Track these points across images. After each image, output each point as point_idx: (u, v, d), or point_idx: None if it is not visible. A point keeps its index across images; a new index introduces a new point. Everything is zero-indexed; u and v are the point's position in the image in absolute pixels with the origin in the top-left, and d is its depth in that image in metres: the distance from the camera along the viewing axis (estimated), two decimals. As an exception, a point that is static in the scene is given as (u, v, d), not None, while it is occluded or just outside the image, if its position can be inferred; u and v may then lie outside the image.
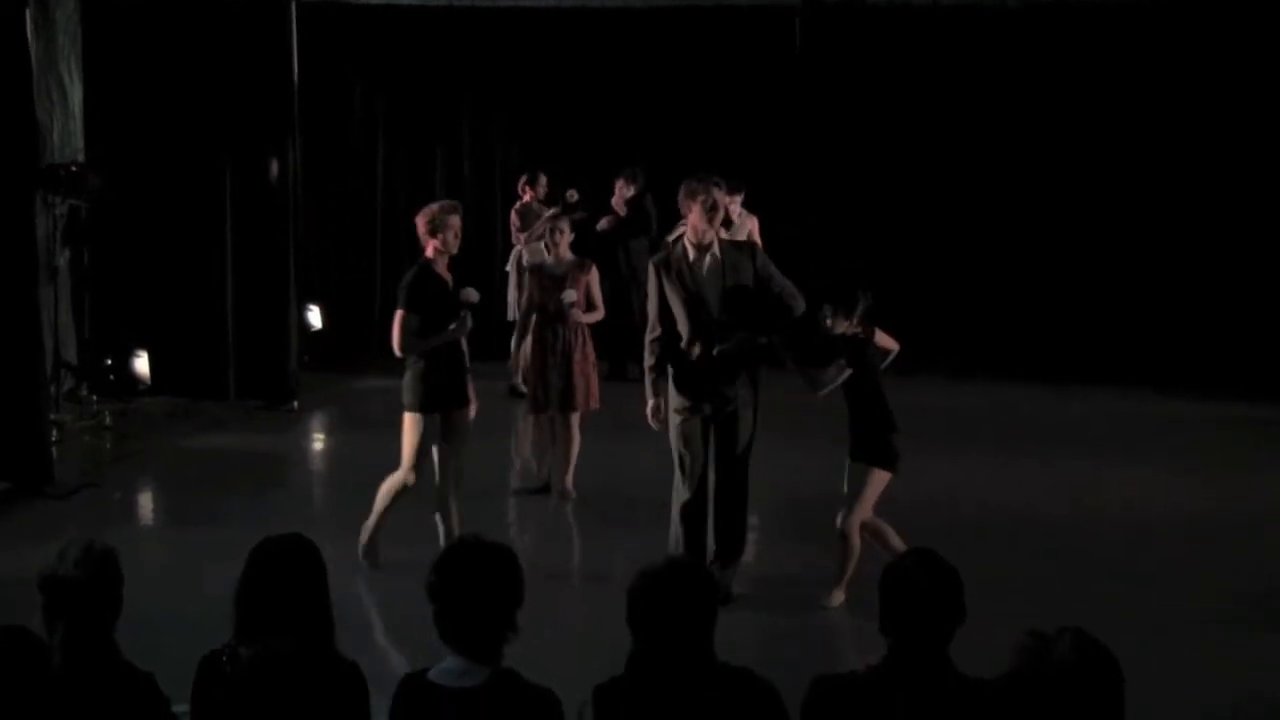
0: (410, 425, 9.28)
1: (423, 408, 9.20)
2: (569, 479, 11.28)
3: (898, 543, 8.40)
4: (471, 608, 4.40)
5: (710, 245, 8.64)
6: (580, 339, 11.21)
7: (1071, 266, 16.93)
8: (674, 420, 8.80)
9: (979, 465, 12.57)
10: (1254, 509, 11.21)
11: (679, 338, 8.70)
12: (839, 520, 8.63)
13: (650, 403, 8.90)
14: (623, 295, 16.23)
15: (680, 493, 8.85)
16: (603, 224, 16.21)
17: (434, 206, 9.53)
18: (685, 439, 8.76)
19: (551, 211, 14.66)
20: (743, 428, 8.76)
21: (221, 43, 14.52)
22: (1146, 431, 14.14)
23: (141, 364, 14.60)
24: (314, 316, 16.93)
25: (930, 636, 4.41)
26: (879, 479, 8.60)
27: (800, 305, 8.73)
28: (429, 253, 9.30)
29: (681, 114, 17.34)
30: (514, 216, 15.78)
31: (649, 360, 8.90)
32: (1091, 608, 8.03)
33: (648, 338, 8.92)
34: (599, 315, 11.42)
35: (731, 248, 8.79)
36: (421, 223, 9.28)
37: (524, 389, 15.36)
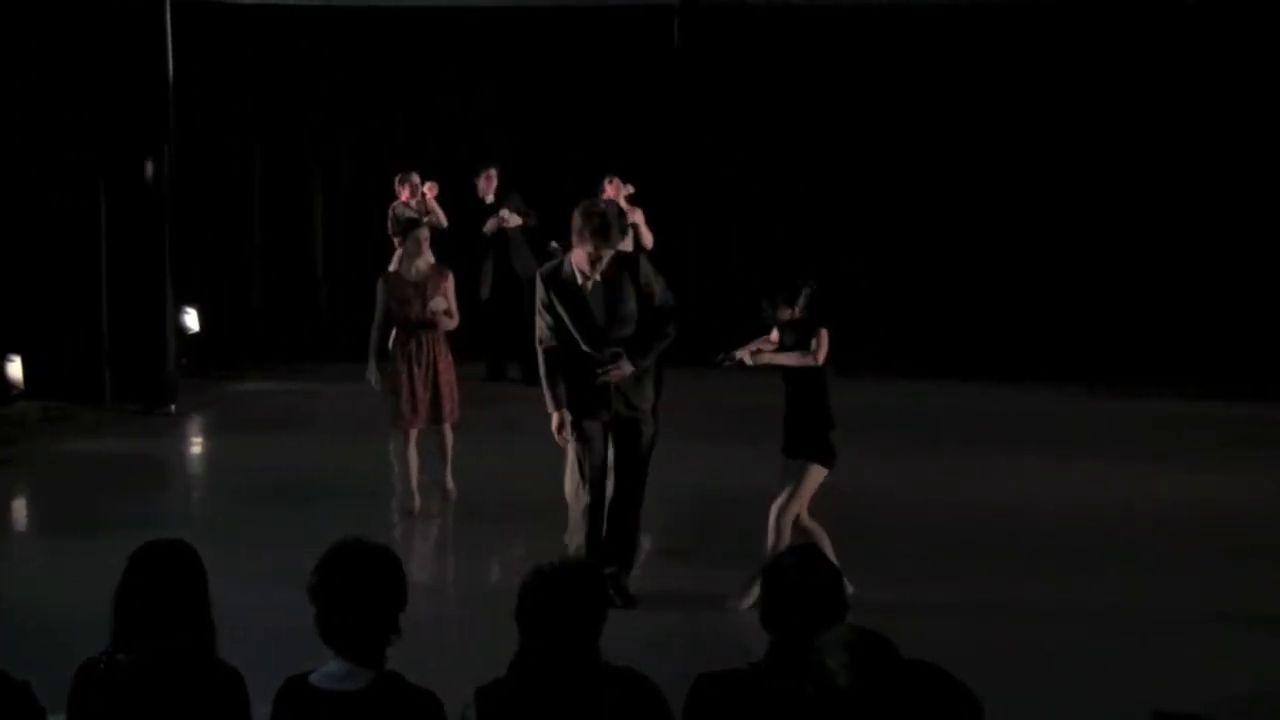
0: None
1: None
2: (449, 478, 11.19)
3: (829, 547, 8.14)
4: (354, 610, 4.38)
5: (598, 268, 8.59)
6: (443, 348, 10.95)
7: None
8: (571, 423, 8.81)
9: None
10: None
11: (573, 344, 8.69)
12: (772, 515, 8.53)
13: (555, 418, 8.79)
14: (506, 295, 16.23)
15: (581, 496, 8.86)
16: (491, 225, 16.17)
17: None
18: (584, 442, 8.78)
19: (426, 216, 14.70)
20: (642, 433, 8.78)
21: (95, 43, 14.34)
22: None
23: (14, 368, 14.37)
24: (191, 320, 16.76)
25: (810, 632, 4.45)
26: (816, 475, 8.54)
27: (669, 320, 8.74)
28: None
29: (560, 114, 17.34)
30: (391, 213, 15.67)
31: (544, 369, 8.81)
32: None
33: (540, 347, 8.85)
34: (456, 323, 11.07)
35: (615, 266, 8.67)
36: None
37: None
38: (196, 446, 14.47)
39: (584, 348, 8.67)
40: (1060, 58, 16.79)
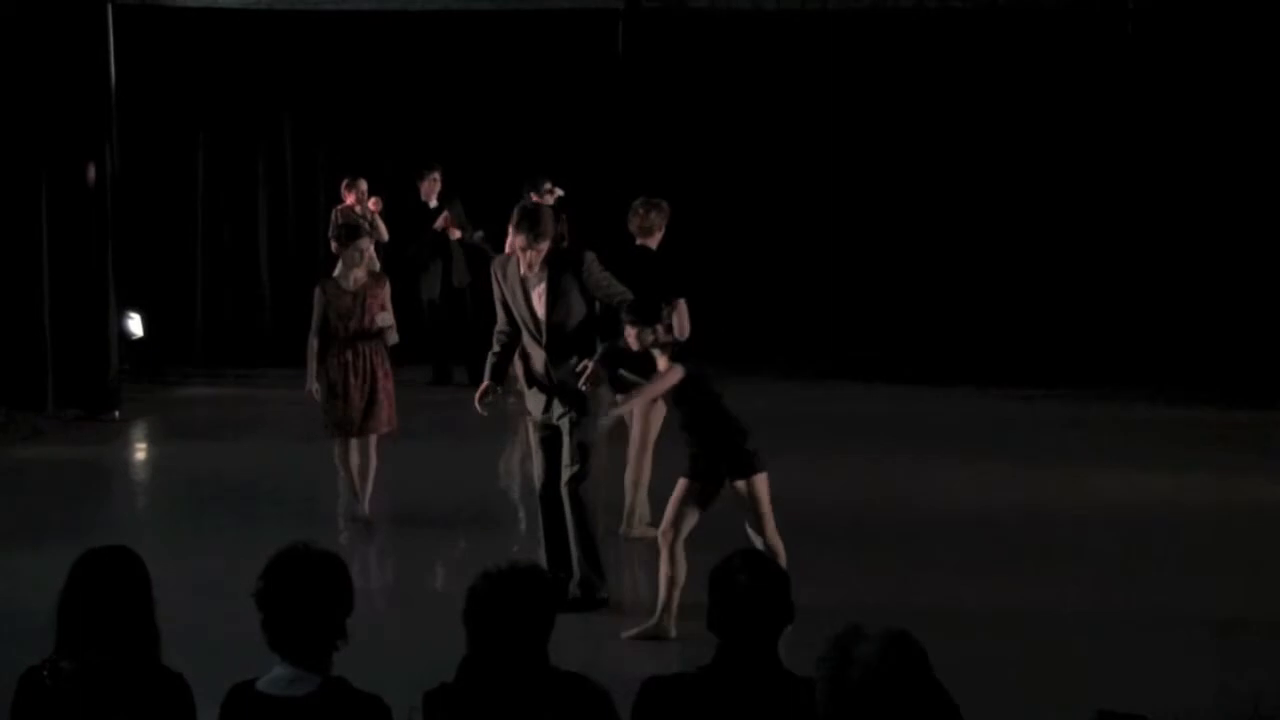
0: None
1: None
2: (367, 504, 10.80)
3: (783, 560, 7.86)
4: (300, 616, 4.36)
5: (538, 264, 8.59)
6: (380, 357, 10.74)
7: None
8: (530, 423, 8.92)
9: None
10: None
11: (518, 336, 8.78)
12: (759, 544, 8.04)
13: (484, 384, 8.84)
14: (452, 301, 16.25)
15: (538, 495, 8.92)
16: (441, 223, 16.18)
17: None
18: (541, 441, 8.84)
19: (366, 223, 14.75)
20: (585, 439, 8.71)
21: (36, 44, 14.23)
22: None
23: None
24: (135, 324, 16.66)
25: (756, 636, 4.47)
26: (760, 486, 8.23)
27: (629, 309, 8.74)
28: None
29: (503, 117, 17.30)
30: (336, 217, 15.62)
31: (494, 348, 8.93)
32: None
33: (496, 329, 8.95)
34: (397, 338, 10.91)
35: (558, 263, 8.66)
36: None
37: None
38: (140, 452, 14.40)
39: (529, 342, 8.71)
40: (1041, 62, 16.86)
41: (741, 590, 4.50)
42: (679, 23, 17.29)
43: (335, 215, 15.67)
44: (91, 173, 14.57)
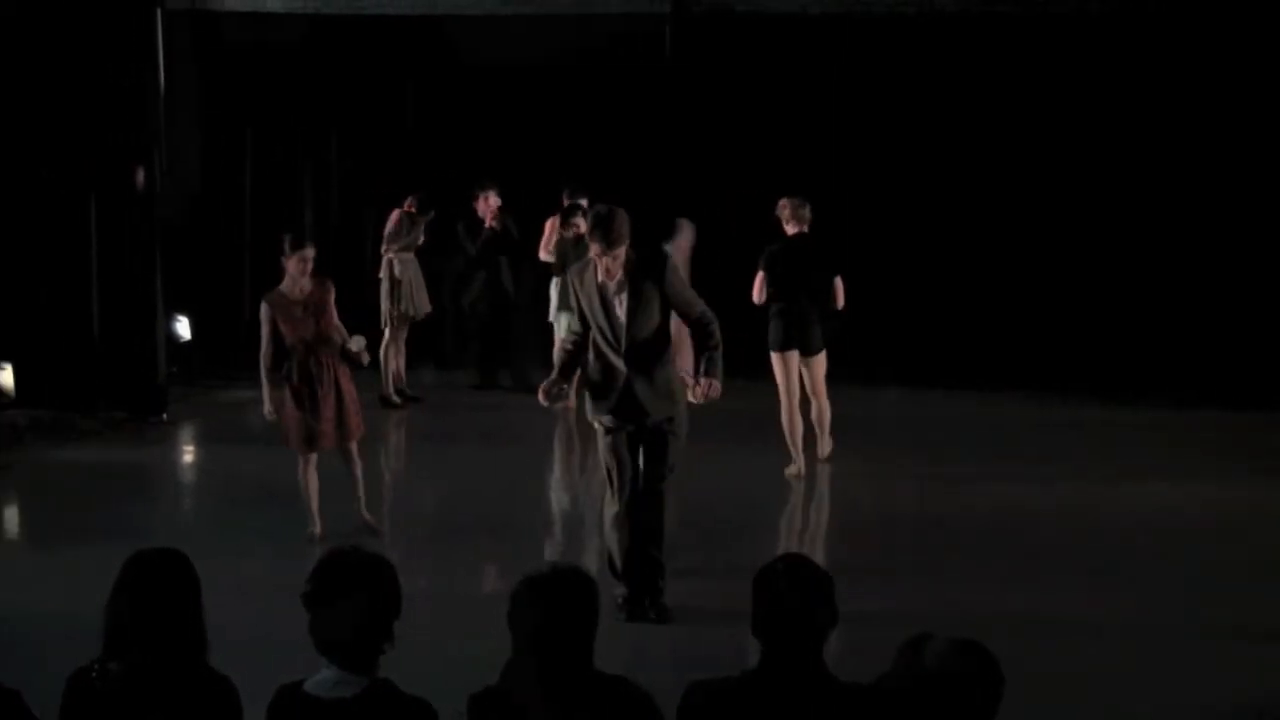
0: None
1: None
2: (364, 510, 10.73)
3: None
4: (347, 618, 4.38)
5: (617, 271, 8.55)
6: (340, 364, 10.49)
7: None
8: (600, 433, 8.84)
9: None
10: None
11: (597, 347, 8.72)
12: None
13: (551, 378, 8.84)
14: (498, 306, 16.27)
15: (610, 505, 8.87)
16: (490, 220, 16.21)
17: None
18: (613, 453, 8.75)
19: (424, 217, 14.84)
20: (669, 444, 8.72)
21: (86, 50, 14.32)
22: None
23: (5, 377, 14.36)
24: (183, 327, 16.74)
25: (801, 641, 4.46)
26: None
27: (714, 323, 8.72)
28: None
29: (552, 124, 17.32)
30: (399, 220, 15.63)
31: (566, 346, 8.99)
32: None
33: (562, 345, 9.08)
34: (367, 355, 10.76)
35: (639, 270, 8.60)
36: None
37: (396, 399, 15.40)
38: (188, 455, 14.46)
39: (605, 350, 8.65)
40: (1057, 68, 16.79)
41: (784, 595, 4.49)
42: (726, 27, 17.26)
43: (397, 218, 15.65)
44: (140, 177, 14.64)
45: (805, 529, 11.58)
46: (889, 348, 16.74)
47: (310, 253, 10.43)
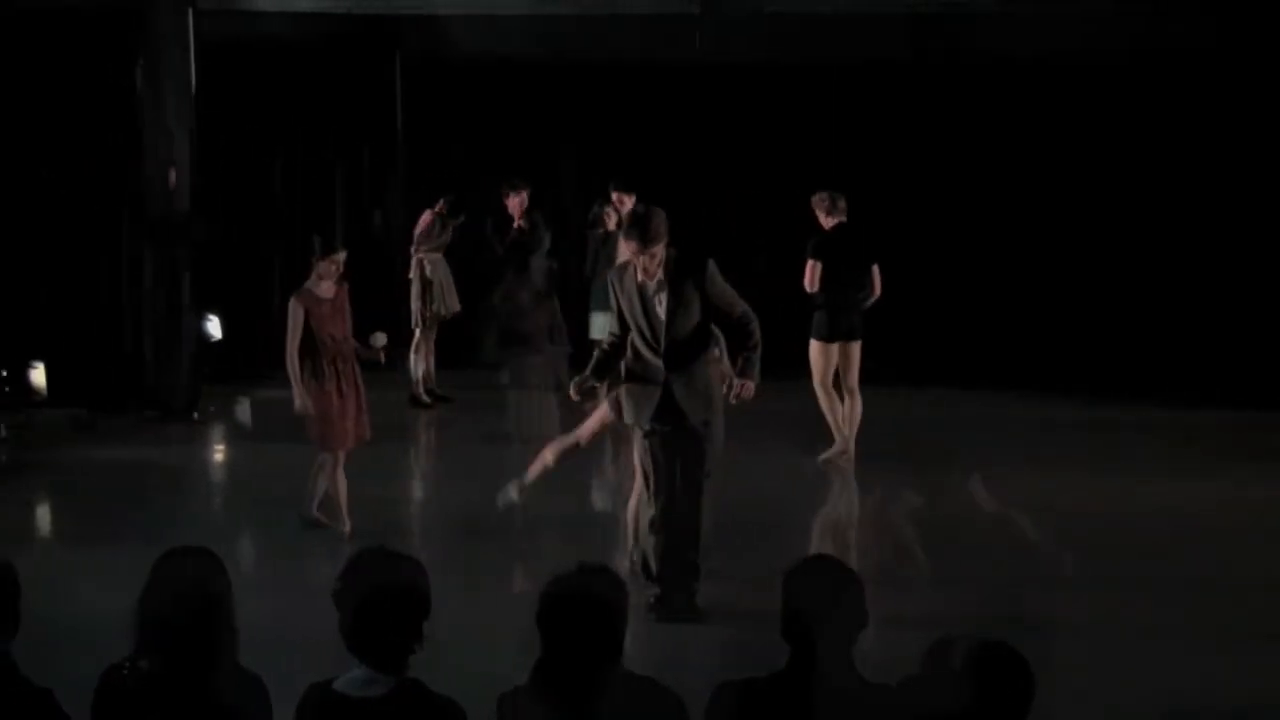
0: None
1: None
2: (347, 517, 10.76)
3: None
4: (378, 617, 4.39)
5: (656, 271, 8.57)
6: (357, 369, 10.66)
7: (990, 276, 17.07)
8: (638, 435, 8.86)
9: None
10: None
11: (635, 348, 8.73)
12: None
13: (585, 374, 8.99)
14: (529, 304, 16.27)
15: (646, 507, 8.87)
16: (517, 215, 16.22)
17: None
18: (651, 454, 8.74)
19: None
20: (705, 446, 8.72)
21: (120, 51, 14.38)
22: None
23: (38, 375, 14.42)
24: (214, 327, 16.77)
25: (830, 643, 4.45)
26: None
27: (754, 323, 8.73)
28: None
29: (578, 122, 17.32)
30: (431, 221, 15.67)
31: (603, 346, 9.09)
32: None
33: (607, 332, 9.19)
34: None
35: (680, 270, 8.63)
36: None
37: (426, 399, 15.41)
38: (219, 453, 14.51)
39: (644, 350, 8.66)
40: (1071, 70, 16.79)
41: (813, 597, 4.49)
42: (755, 28, 17.24)
43: (429, 220, 15.68)
44: (173, 177, 14.69)
45: (835, 530, 11.56)
46: (894, 348, 16.78)
47: (341, 256, 10.58)
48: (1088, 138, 16.82)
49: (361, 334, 10.68)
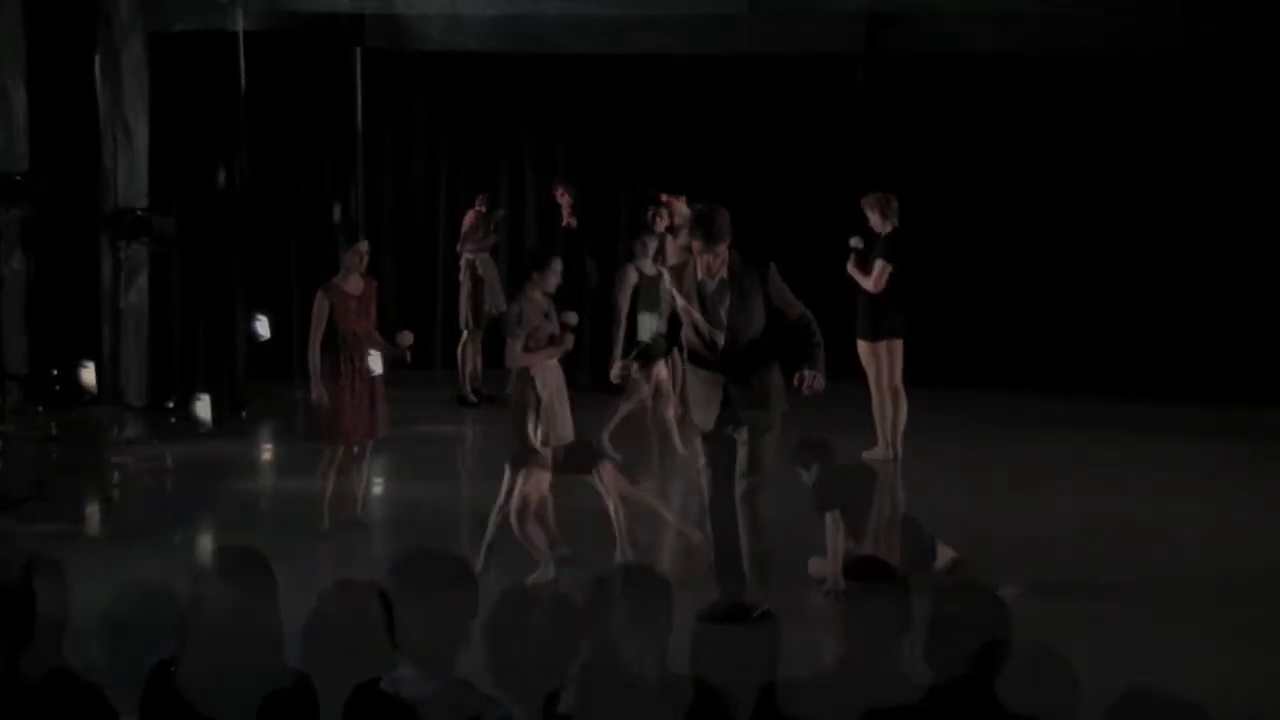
0: None
1: None
2: (360, 507, 10.94)
3: None
4: (424, 617, 4.40)
5: (718, 270, 8.56)
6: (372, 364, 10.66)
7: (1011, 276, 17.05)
8: (698, 436, 8.90)
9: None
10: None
11: (692, 347, 8.72)
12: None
13: (627, 360, 9.02)
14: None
15: (707, 508, 8.91)
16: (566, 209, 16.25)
17: None
18: (710, 455, 8.76)
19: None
20: (766, 450, 8.69)
21: (168, 50, 14.48)
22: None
23: (87, 375, 14.48)
24: (262, 326, 16.79)
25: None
26: None
27: (813, 323, 8.69)
28: None
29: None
30: (474, 221, 15.75)
31: (650, 339, 9.26)
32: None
33: (655, 331, 9.23)
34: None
35: (741, 270, 8.60)
36: None
37: (473, 399, 15.43)
38: (266, 453, 14.55)
39: (703, 351, 8.63)
40: (1086, 71, 16.78)
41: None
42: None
43: (473, 219, 15.73)
44: (221, 178, 14.77)
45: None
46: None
47: (364, 246, 10.72)
48: (1111, 136, 16.83)
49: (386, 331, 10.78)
